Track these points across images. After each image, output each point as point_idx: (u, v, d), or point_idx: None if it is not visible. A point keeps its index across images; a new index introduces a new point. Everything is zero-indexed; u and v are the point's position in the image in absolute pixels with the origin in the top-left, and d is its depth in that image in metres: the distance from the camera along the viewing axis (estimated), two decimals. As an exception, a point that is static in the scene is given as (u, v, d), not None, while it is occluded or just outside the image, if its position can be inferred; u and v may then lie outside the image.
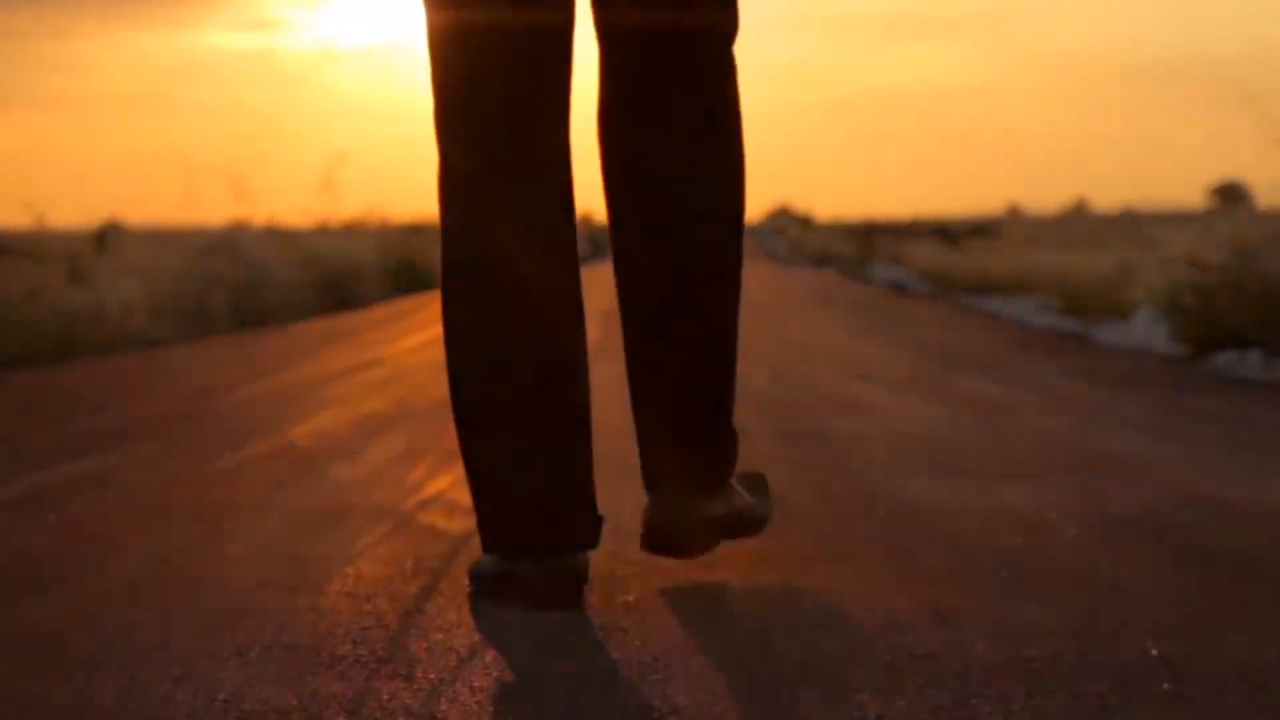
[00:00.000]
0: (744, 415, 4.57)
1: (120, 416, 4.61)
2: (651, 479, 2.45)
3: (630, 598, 2.27)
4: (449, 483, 3.37)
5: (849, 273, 21.97)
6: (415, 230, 32.00)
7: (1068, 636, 2.03)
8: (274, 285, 10.41)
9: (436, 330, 8.70)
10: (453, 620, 2.14)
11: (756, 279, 17.81)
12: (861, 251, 25.95)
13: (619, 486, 2.80)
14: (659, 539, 2.43)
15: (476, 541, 2.71)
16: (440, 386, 5.40)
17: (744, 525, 2.50)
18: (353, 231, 18.15)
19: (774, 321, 9.59)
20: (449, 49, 2.31)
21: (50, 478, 3.47)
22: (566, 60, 2.36)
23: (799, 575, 2.42)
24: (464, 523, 2.90)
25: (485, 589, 2.28)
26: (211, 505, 3.11)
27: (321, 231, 16.67)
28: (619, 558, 2.54)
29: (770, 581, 2.39)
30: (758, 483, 2.61)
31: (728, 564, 2.50)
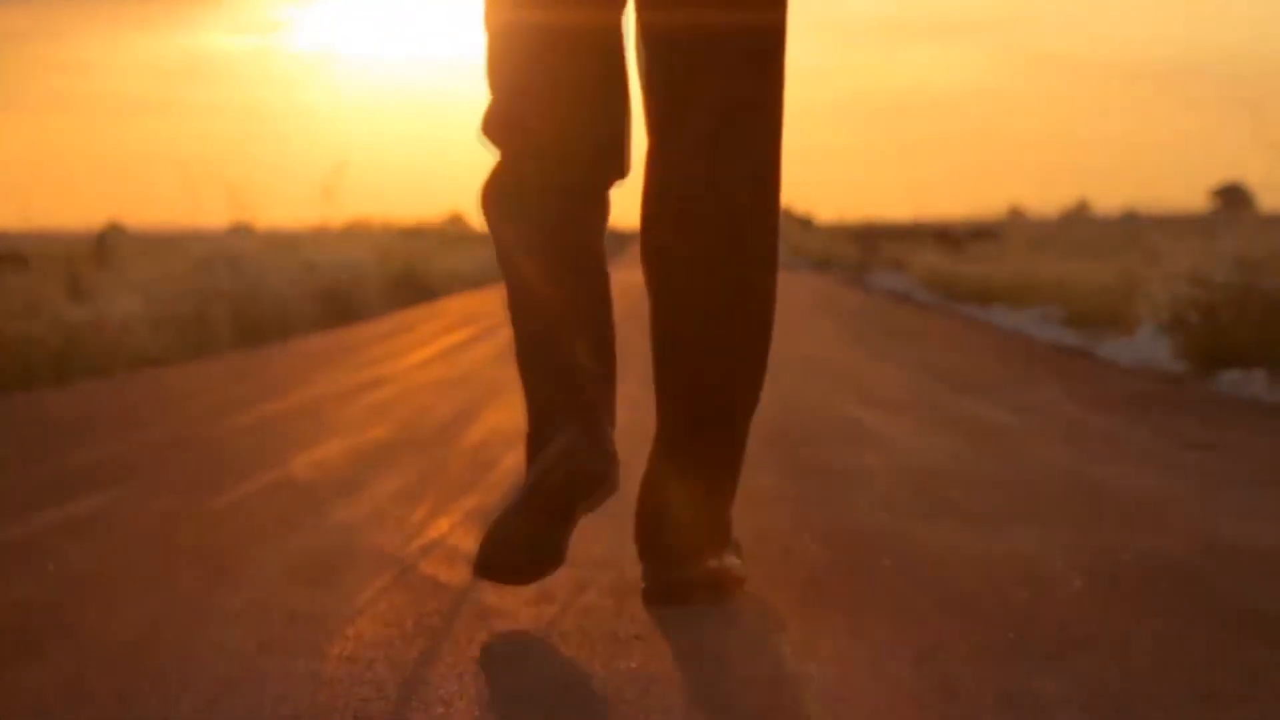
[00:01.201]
0: (748, 444, 4.54)
1: (119, 447, 4.59)
2: (657, 532, 2.59)
3: (633, 664, 2.25)
4: (449, 525, 3.35)
5: (850, 279, 21.94)
6: (415, 234, 31.97)
7: (1077, 709, 2.01)
8: (274, 297, 10.38)
9: (439, 345, 8.63)
10: (454, 691, 2.12)
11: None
12: (863, 256, 25.94)
13: (622, 538, 2.77)
14: (662, 595, 2.57)
15: (477, 596, 2.69)
16: (442, 410, 5.41)
17: (731, 584, 2.64)
18: (353, 235, 18.12)
19: (776, 334, 9.55)
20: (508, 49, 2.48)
21: (49, 519, 3.44)
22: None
23: (805, 639, 2.39)
24: (465, 573, 2.87)
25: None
26: (210, 551, 3.08)
27: (322, 235, 16.64)
28: (622, 615, 2.52)
29: (776, 647, 2.37)
30: (735, 545, 2.73)
31: (733, 624, 2.48)
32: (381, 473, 4.06)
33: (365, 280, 12.69)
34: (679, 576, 2.58)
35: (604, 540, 2.98)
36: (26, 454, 4.49)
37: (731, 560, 2.66)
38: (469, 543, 3.15)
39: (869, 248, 27.49)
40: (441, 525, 3.35)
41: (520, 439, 4.74)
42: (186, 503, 3.63)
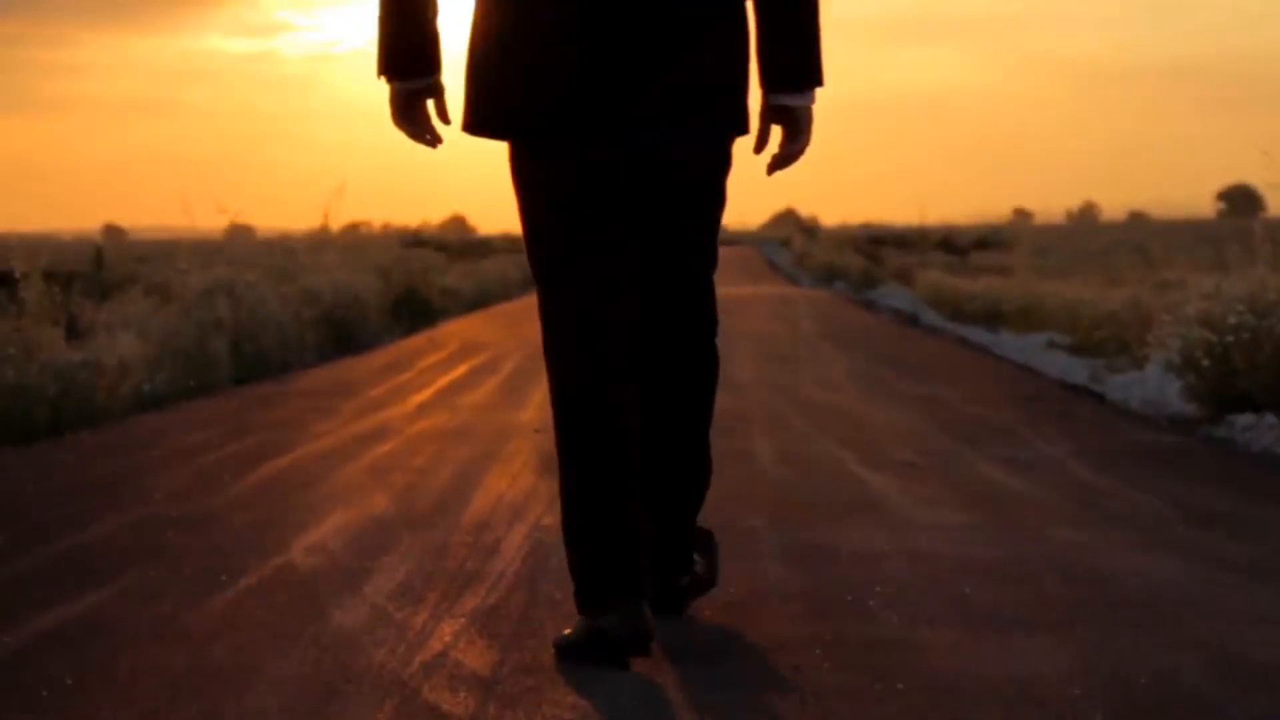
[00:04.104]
0: (753, 516, 4.49)
1: (113, 527, 4.49)
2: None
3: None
4: (452, 633, 3.27)
5: (856, 295, 21.81)
6: (417, 240, 31.85)
7: None
8: (274, 326, 10.27)
9: (438, 385, 8.49)
10: None
11: (761, 304, 17.67)
12: (868, 268, 25.81)
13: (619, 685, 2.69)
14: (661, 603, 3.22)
15: (480, 735, 2.61)
16: (443, 474, 5.33)
17: (699, 588, 3.39)
18: (353, 246, 18.01)
19: (781, 368, 9.48)
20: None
21: (41, 626, 3.35)
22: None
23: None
24: (468, 698, 2.81)
25: (572, 651, 3.03)
26: (205, 672, 3.00)
27: (322, 241, 16.53)
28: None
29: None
30: (705, 540, 3.42)
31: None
32: (382, 561, 3.98)
33: (365, 304, 12.59)
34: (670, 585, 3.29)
35: (600, 681, 2.92)
36: (19, 535, 4.40)
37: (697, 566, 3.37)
38: (471, 657, 3.08)
39: (873, 257, 27.39)
40: (444, 634, 3.26)
41: (519, 512, 4.68)
42: (181, 605, 3.54)
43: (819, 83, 3.14)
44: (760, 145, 3.17)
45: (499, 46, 3.02)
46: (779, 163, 3.18)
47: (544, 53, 2.99)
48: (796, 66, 3.12)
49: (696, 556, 3.38)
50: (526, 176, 3.08)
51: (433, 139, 3.14)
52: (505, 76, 3.01)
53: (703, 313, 3.23)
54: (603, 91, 2.99)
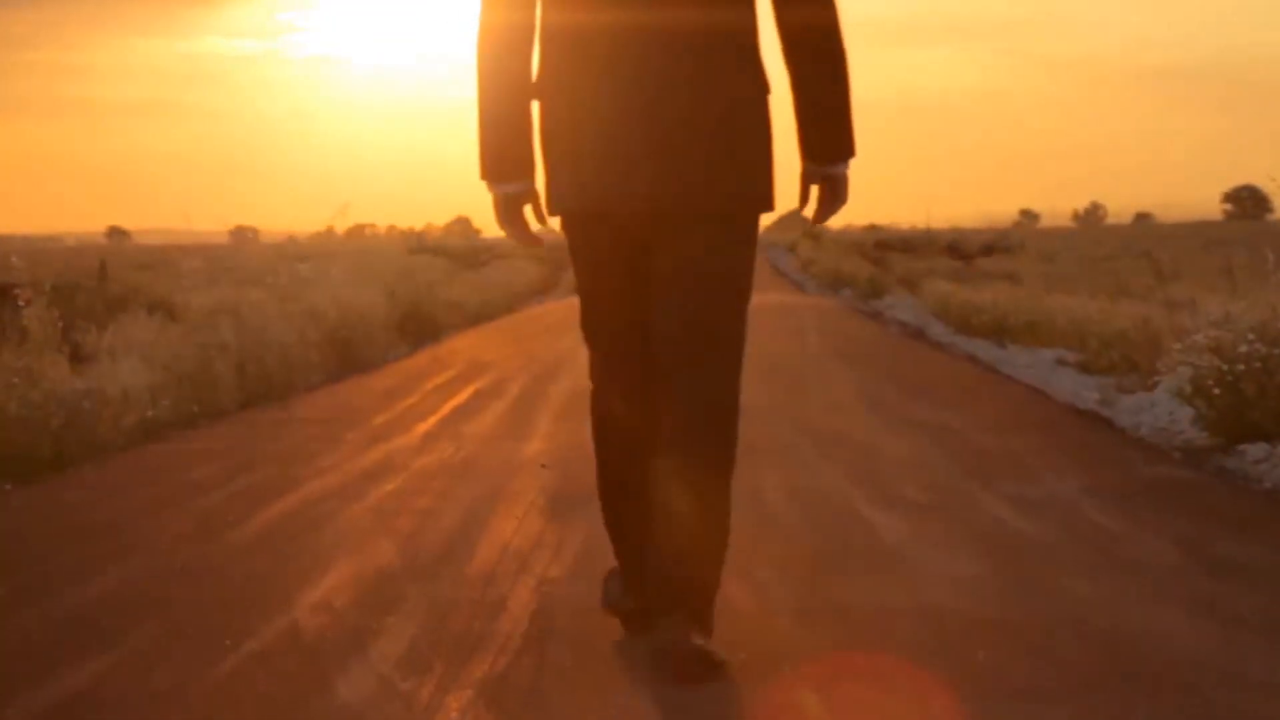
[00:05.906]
0: (764, 568, 4.43)
1: (116, 575, 4.45)
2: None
3: None
4: (459, 707, 3.22)
5: (863, 305, 21.72)
6: (422, 243, 31.84)
7: None
8: (277, 348, 10.22)
9: (442, 411, 8.41)
10: None
11: (767, 315, 17.60)
12: (874, 275, 25.76)
13: None
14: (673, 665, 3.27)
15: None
16: (448, 517, 5.28)
17: (718, 665, 3.31)
18: (358, 251, 18.00)
19: (788, 391, 9.42)
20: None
21: (41, 700, 3.31)
22: None
23: None
24: (474, 787, 2.75)
25: (616, 610, 3.68)
26: (208, 753, 2.95)
27: (326, 249, 16.53)
28: None
29: None
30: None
31: None
32: (387, 621, 3.92)
33: (370, 322, 12.54)
34: (682, 645, 3.25)
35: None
36: (21, 587, 4.35)
37: (710, 645, 3.30)
38: (481, 735, 3.03)
39: (880, 263, 27.34)
40: (450, 709, 3.21)
41: (526, 562, 4.62)
42: (184, 673, 3.49)
43: (853, 154, 3.52)
44: (803, 202, 3.57)
45: (558, 141, 3.39)
46: (821, 217, 3.61)
47: (593, 147, 3.34)
48: (834, 144, 3.51)
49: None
50: (580, 251, 3.48)
51: (533, 241, 3.51)
52: (562, 167, 3.38)
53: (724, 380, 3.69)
54: (643, 180, 3.33)
